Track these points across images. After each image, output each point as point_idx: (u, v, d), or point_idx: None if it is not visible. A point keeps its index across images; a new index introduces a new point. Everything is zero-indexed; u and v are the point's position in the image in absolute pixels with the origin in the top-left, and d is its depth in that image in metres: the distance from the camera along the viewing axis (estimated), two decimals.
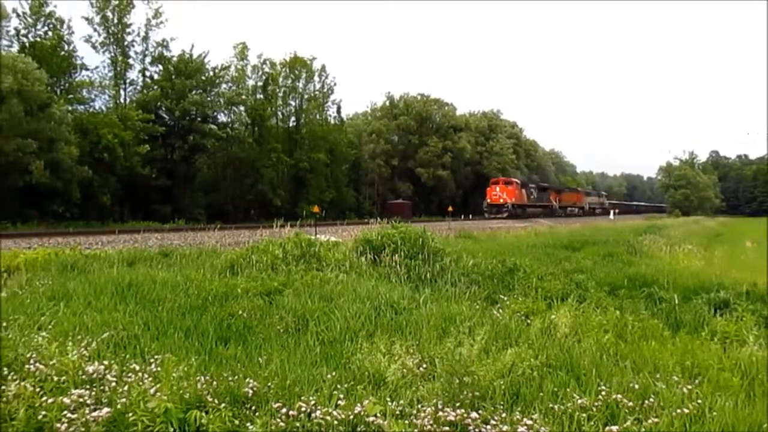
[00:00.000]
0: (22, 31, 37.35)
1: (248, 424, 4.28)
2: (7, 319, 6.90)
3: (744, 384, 5.63)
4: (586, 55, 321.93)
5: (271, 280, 10.15)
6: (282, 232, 17.31)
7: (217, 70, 46.70)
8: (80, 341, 5.96)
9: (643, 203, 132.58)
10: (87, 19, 41.37)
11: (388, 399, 4.81)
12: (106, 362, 5.32)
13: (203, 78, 44.89)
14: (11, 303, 8.24)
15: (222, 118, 47.99)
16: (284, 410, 4.39)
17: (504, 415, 4.53)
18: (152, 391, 4.54)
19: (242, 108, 49.60)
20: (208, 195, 45.08)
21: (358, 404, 4.51)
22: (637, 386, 5.15)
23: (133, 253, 13.67)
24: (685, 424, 4.54)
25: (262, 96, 52.01)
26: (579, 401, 4.74)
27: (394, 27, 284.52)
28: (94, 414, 4.20)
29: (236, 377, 5.03)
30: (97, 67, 42.70)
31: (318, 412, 4.37)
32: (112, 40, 42.31)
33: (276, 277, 10.58)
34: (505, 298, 9.72)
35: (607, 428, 4.35)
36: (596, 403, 4.75)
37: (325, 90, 58.25)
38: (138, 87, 44.81)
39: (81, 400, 4.43)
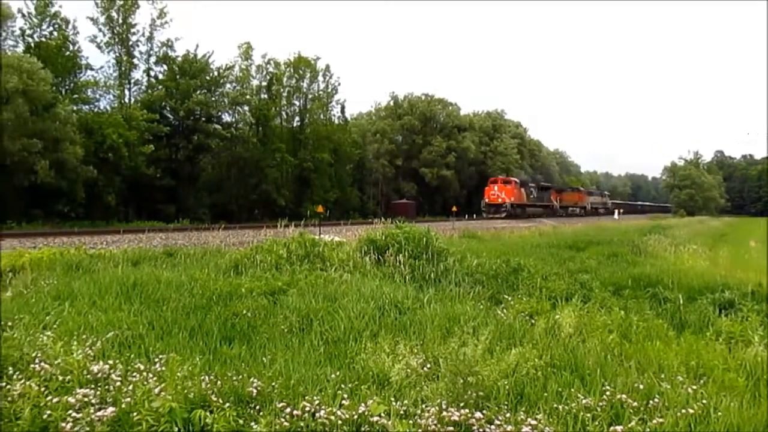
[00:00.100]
0: (28, 32, 37.59)
1: (252, 423, 4.29)
2: (12, 319, 6.93)
3: (749, 384, 5.61)
4: (591, 55, 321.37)
5: (276, 279, 10.16)
6: (286, 232, 17.32)
7: (221, 70, 46.86)
8: (85, 341, 5.99)
9: (647, 203, 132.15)
10: (92, 19, 41.64)
11: (392, 399, 4.81)
12: (110, 362, 5.34)
13: (208, 78, 45.03)
14: (16, 302, 8.27)
15: (226, 118, 48.21)
16: (288, 410, 4.39)
17: (508, 415, 4.52)
18: (157, 390, 4.55)
19: (246, 108, 49.71)
20: (212, 195, 45.16)
21: (362, 404, 4.51)
22: (641, 386, 5.13)
23: (137, 252, 13.70)
24: (689, 424, 4.53)
25: (266, 96, 52.12)
26: (583, 401, 4.72)
27: (399, 27, 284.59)
28: (99, 413, 4.21)
29: (240, 377, 5.03)
30: (101, 67, 42.98)
31: (322, 412, 4.37)
32: (116, 40, 42.46)
33: (280, 276, 10.59)
34: (510, 298, 9.69)
35: (612, 428, 4.34)
36: (601, 403, 4.73)
37: (329, 90, 58.38)
38: (143, 87, 45.08)
39: (86, 399, 4.45)
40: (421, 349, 6.26)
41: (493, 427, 4.35)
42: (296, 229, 17.92)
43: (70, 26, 39.24)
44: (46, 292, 8.97)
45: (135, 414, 4.23)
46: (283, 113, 55.45)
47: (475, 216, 52.64)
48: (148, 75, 45.05)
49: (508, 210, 54.18)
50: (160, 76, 44.86)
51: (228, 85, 47.81)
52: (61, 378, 4.93)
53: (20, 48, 36.14)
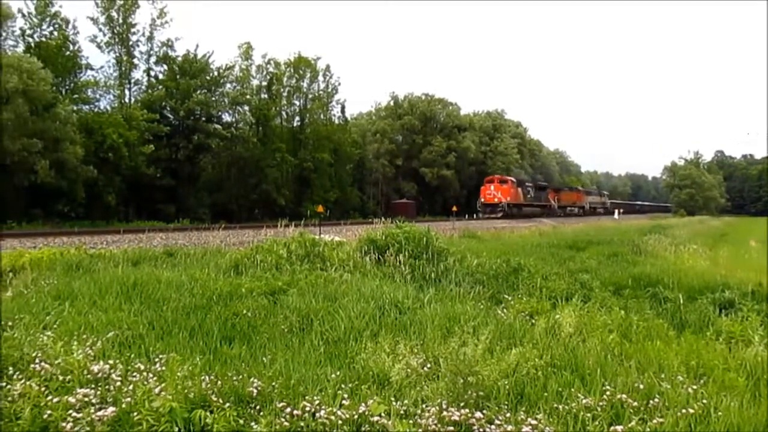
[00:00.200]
0: (28, 31, 37.55)
1: (253, 423, 4.29)
2: (12, 318, 6.93)
3: (749, 384, 5.60)
4: (591, 54, 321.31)
5: (276, 279, 10.16)
6: (286, 232, 17.32)
7: (221, 70, 46.84)
8: (85, 340, 5.99)
9: (646, 203, 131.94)
10: (92, 19, 41.61)
11: (393, 399, 4.81)
12: (111, 362, 5.34)
13: (208, 78, 45.03)
14: (16, 302, 8.28)
15: (226, 117, 48.19)
16: (288, 410, 4.39)
17: (508, 414, 4.52)
18: (157, 390, 4.55)
19: (246, 108, 49.69)
20: (212, 194, 45.16)
21: (363, 404, 4.51)
22: (641, 386, 5.13)
23: (137, 252, 13.70)
24: (690, 424, 4.53)
25: (266, 96, 52.12)
26: (583, 401, 4.72)
27: (399, 27, 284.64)
28: (99, 413, 4.21)
29: (241, 377, 5.03)
30: (102, 67, 42.94)
31: (322, 412, 4.37)
32: (117, 39, 42.45)
33: (280, 276, 10.59)
34: (510, 298, 9.69)
35: (612, 428, 4.34)
36: (601, 403, 4.73)
37: (329, 90, 58.37)
38: (143, 87, 45.05)
39: (86, 399, 4.45)
40: (422, 348, 6.26)
41: (493, 426, 4.35)
42: (296, 228, 17.93)
43: (70, 26, 39.29)
44: (47, 292, 8.97)
45: (135, 414, 4.23)
46: (283, 113, 55.46)
47: (475, 216, 52.37)
48: (149, 75, 45.11)
49: (505, 210, 53.57)
50: (161, 76, 44.86)
51: (228, 85, 47.84)
52: (61, 378, 4.94)
53: (20, 48, 36.18)
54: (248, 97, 49.32)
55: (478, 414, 4.43)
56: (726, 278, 12.30)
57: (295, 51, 67.70)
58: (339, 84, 59.13)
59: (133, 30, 42.85)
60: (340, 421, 4.28)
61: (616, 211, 77.39)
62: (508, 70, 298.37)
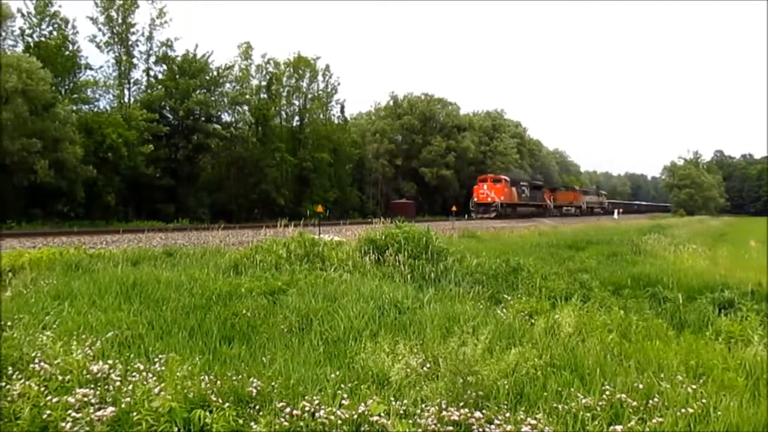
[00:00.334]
0: (27, 31, 37.53)
1: (252, 423, 4.29)
2: (12, 318, 6.93)
3: (749, 384, 5.60)
4: (591, 54, 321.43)
5: (275, 279, 10.15)
6: (286, 232, 17.32)
7: (221, 70, 46.83)
8: (85, 340, 5.99)
9: (644, 203, 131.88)
10: (91, 18, 41.58)
11: (392, 398, 4.81)
12: (110, 361, 5.34)
13: (207, 78, 44.99)
14: (16, 302, 8.27)
15: (226, 117, 48.17)
16: (288, 410, 4.39)
17: (508, 414, 4.52)
18: (156, 390, 4.55)
19: (246, 108, 49.65)
20: (212, 194, 45.14)
21: (362, 404, 4.51)
22: (641, 386, 5.13)
23: (137, 252, 13.68)
24: (689, 423, 4.53)
25: (265, 95, 52.09)
26: (583, 401, 4.72)
27: (398, 27, 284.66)
28: (99, 413, 4.21)
29: (240, 377, 5.03)
30: (101, 67, 42.90)
31: (322, 412, 4.37)
32: (116, 39, 42.42)
33: (280, 276, 10.58)
34: (509, 298, 9.70)
35: (611, 428, 4.34)
36: (600, 403, 4.73)
37: (328, 89, 58.32)
38: (142, 87, 45.03)
39: (85, 399, 4.45)
40: (421, 348, 6.26)
41: (492, 426, 4.35)
42: (296, 228, 17.94)
43: (70, 26, 39.25)
44: (46, 291, 8.96)
45: (135, 414, 4.23)
46: (283, 113, 55.43)
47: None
48: (148, 75, 45.08)
49: (498, 210, 52.45)
50: (160, 76, 44.83)
51: (227, 85, 47.81)
52: (60, 378, 4.93)
53: (20, 48, 36.14)
54: (248, 96, 49.30)
55: (477, 414, 4.43)
56: (725, 278, 12.31)
57: (294, 51, 67.83)
58: (338, 84, 59.18)
59: (132, 30, 42.86)
60: (339, 421, 4.28)
61: (616, 211, 77.07)
62: (508, 70, 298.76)
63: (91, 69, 41.22)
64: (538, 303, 9.04)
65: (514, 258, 13.79)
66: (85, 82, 40.18)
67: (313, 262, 12.24)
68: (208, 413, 4.27)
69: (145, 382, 4.78)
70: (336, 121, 59.96)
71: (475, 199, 54.43)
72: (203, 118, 43.48)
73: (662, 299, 10.38)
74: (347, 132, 61.29)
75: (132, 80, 44.21)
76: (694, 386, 5.21)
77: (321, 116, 57.35)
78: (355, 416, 4.37)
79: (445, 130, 71.22)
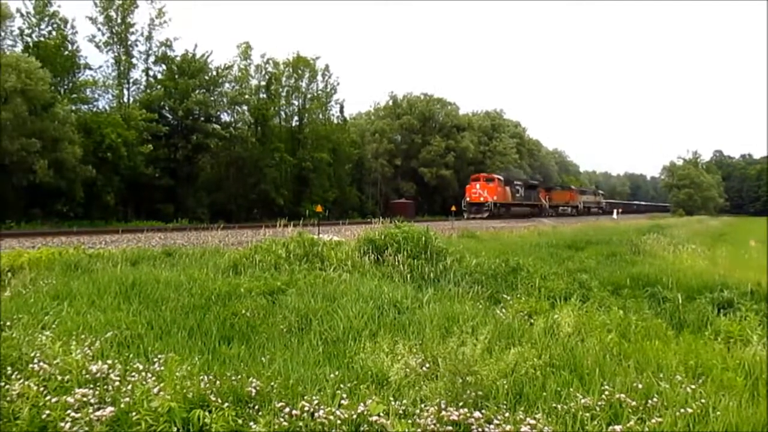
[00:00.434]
0: (26, 31, 37.44)
1: (251, 423, 4.28)
2: (11, 318, 6.93)
3: (748, 384, 5.61)
4: (590, 54, 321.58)
5: (275, 279, 10.15)
6: (285, 232, 17.32)
7: (220, 70, 46.76)
8: (84, 340, 5.98)
9: (644, 203, 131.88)
10: (91, 18, 41.48)
11: (391, 398, 4.81)
12: (109, 361, 5.33)
13: (206, 77, 44.96)
14: (15, 302, 8.26)
15: (225, 117, 48.08)
16: (287, 410, 4.39)
17: (507, 414, 4.52)
18: (156, 390, 4.54)
19: (245, 107, 49.59)
20: (211, 194, 45.10)
21: (362, 404, 4.51)
22: (640, 386, 5.13)
23: (136, 252, 13.68)
24: (688, 423, 4.53)
25: (265, 95, 52.02)
26: (582, 401, 4.73)
27: (398, 27, 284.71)
28: (98, 413, 4.21)
29: (239, 376, 5.03)
30: (100, 67, 42.81)
31: (321, 412, 4.37)
32: (115, 39, 42.35)
33: (279, 276, 10.58)
34: (508, 298, 9.70)
35: (611, 428, 4.34)
36: (599, 403, 4.74)
37: (328, 89, 58.24)
38: (141, 86, 44.95)
39: (84, 399, 4.44)
40: (420, 348, 6.26)
41: (491, 426, 4.35)
42: (295, 228, 17.94)
43: (69, 26, 39.14)
44: (45, 291, 8.95)
45: (134, 414, 4.23)
46: (282, 113, 55.36)
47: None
48: (147, 75, 45.03)
49: (491, 210, 51.37)
50: (159, 76, 44.77)
51: (227, 85, 47.75)
52: (59, 378, 4.93)
53: (19, 47, 36.06)
54: (247, 96, 49.26)
55: (476, 414, 4.43)
56: (724, 278, 12.32)
57: (293, 51, 67.81)
58: (338, 84, 59.18)
59: (131, 30, 42.76)
60: (338, 421, 4.28)
61: (615, 211, 76.81)
62: (508, 70, 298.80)
63: (90, 69, 41.23)
64: (538, 303, 9.04)
65: (513, 258, 13.79)
66: (84, 81, 40.13)
67: (312, 262, 12.24)
68: (207, 413, 4.26)
69: (144, 382, 4.78)
70: (335, 121, 59.91)
71: (468, 199, 53.35)
72: (202, 118, 43.45)
73: (661, 299, 10.39)
74: (346, 132, 61.26)
75: (131, 80, 44.18)
76: (693, 386, 5.22)
77: (320, 116, 57.29)
78: (355, 416, 4.37)
79: (445, 130, 71.22)
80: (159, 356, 5.62)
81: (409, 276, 11.36)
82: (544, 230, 32.50)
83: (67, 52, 38.56)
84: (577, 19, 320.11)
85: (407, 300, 8.72)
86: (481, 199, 52.51)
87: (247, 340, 6.89)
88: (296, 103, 55.89)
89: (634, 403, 4.74)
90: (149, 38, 43.97)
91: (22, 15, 37.05)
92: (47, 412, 4.24)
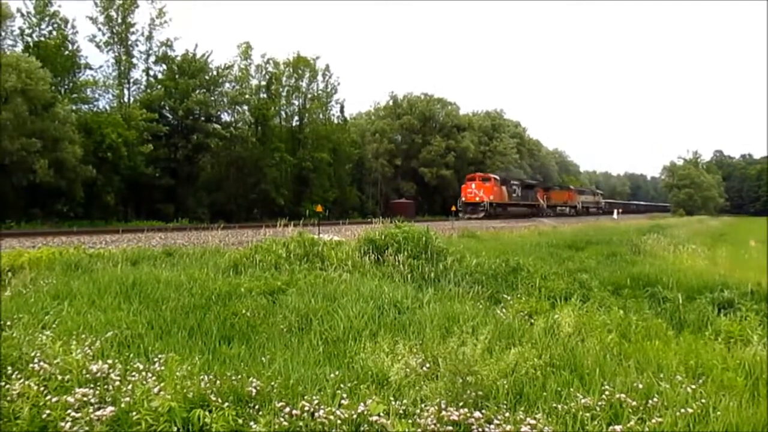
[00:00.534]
0: (27, 31, 37.52)
1: (251, 423, 4.28)
2: (11, 318, 6.93)
3: (748, 384, 5.60)
4: (590, 54, 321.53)
5: (275, 279, 10.15)
6: (285, 232, 17.33)
7: (220, 70, 46.83)
8: (84, 340, 5.98)
9: (644, 203, 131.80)
10: (91, 18, 41.54)
11: (392, 398, 4.80)
12: (109, 361, 5.33)
13: (207, 77, 45.01)
14: (15, 302, 8.26)
15: (225, 117, 48.17)
16: (287, 409, 4.39)
17: (507, 414, 4.52)
18: (156, 390, 4.54)
19: (246, 107, 49.62)
20: (211, 194, 45.12)
21: (362, 403, 4.51)
22: (640, 386, 5.13)
23: (136, 252, 13.68)
24: (688, 423, 4.53)
25: (265, 95, 52.07)
26: (582, 401, 4.72)
27: (398, 27, 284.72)
28: (98, 413, 4.21)
29: (240, 376, 5.03)
30: (101, 67, 42.87)
31: (321, 412, 4.37)
32: (116, 39, 42.40)
33: (279, 276, 10.58)
34: (509, 298, 9.69)
35: (611, 428, 4.34)
36: (600, 403, 4.73)
37: (328, 89, 58.30)
38: (142, 86, 45.03)
39: (85, 399, 4.44)
40: (421, 348, 6.25)
41: (492, 426, 4.35)
42: (295, 228, 17.94)
43: (69, 26, 39.23)
44: (45, 291, 8.96)
45: (134, 413, 4.22)
46: (283, 113, 55.40)
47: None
48: (147, 74, 45.08)
49: (487, 210, 50.62)
50: (160, 76, 44.82)
51: (227, 85, 47.82)
52: (60, 377, 4.93)
53: (19, 47, 36.11)
54: (247, 96, 49.29)
55: (477, 414, 4.43)
56: (725, 278, 12.32)
57: (294, 51, 67.83)
58: (338, 84, 59.20)
59: (132, 30, 42.84)
60: (339, 421, 4.27)
61: (615, 211, 76.57)
62: (508, 70, 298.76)
63: (90, 69, 41.30)
64: (538, 303, 9.04)
65: (513, 258, 13.78)
66: (84, 81, 40.17)
67: (312, 262, 12.24)
68: (207, 413, 4.26)
69: (144, 382, 4.77)
70: (336, 121, 59.95)
71: (463, 199, 52.48)
72: (203, 118, 43.48)
73: (662, 299, 10.39)
74: (347, 132, 61.29)
75: (131, 80, 44.27)
76: (693, 386, 5.21)
77: (320, 116, 57.32)
78: (355, 416, 4.36)
79: (445, 130, 71.25)
80: (159, 356, 5.62)
81: (409, 276, 11.36)
82: (544, 230, 32.51)
83: (67, 52, 38.61)
84: (578, 19, 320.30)
85: (407, 300, 8.72)
86: (477, 199, 51.82)
87: (248, 339, 6.89)
88: (296, 102, 55.95)
89: (634, 403, 4.74)
90: (150, 38, 44.11)
91: (22, 15, 37.18)
92: (47, 411, 4.24)
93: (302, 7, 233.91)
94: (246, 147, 47.15)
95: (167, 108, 43.01)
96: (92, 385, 4.74)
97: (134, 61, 43.89)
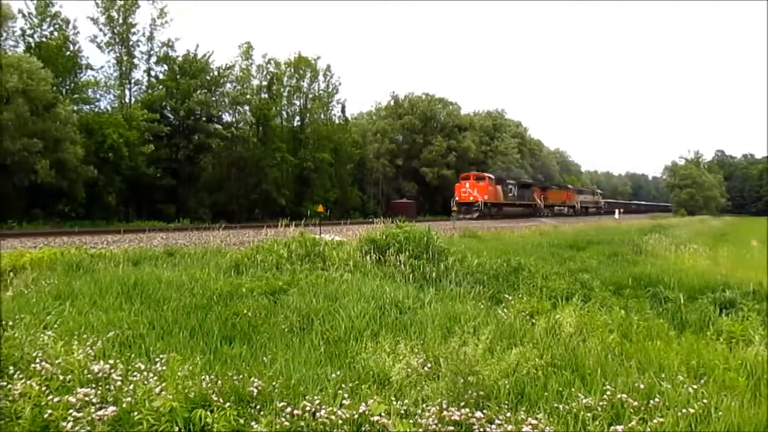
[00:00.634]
0: (28, 32, 37.62)
1: (253, 423, 4.28)
2: (13, 318, 6.93)
3: (750, 384, 5.59)
4: (591, 54, 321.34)
5: (276, 279, 10.16)
6: (286, 232, 17.35)
7: (221, 70, 46.84)
8: (86, 340, 5.99)
9: (645, 202, 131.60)
10: (92, 19, 41.63)
11: (393, 398, 4.80)
12: (111, 361, 5.33)
13: (208, 78, 45.04)
14: (17, 302, 8.27)
15: (226, 117, 48.19)
16: (289, 409, 4.38)
17: (508, 414, 4.51)
18: (157, 390, 4.55)
19: (247, 108, 49.65)
20: (212, 194, 45.15)
21: (363, 403, 4.50)
22: (642, 386, 5.12)
23: (138, 252, 13.70)
24: (690, 423, 4.52)
25: (266, 96, 52.11)
26: (584, 401, 4.72)
27: (399, 27, 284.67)
28: (100, 413, 4.21)
29: (241, 376, 5.03)
30: (102, 67, 43.09)
31: (323, 412, 4.37)
32: (117, 39, 42.46)
33: (281, 276, 10.58)
34: (510, 298, 9.68)
35: (612, 428, 4.33)
36: (601, 403, 4.73)
37: (329, 89, 58.38)
38: (143, 87, 45.09)
39: (86, 398, 4.44)
40: (422, 348, 6.25)
41: (493, 426, 4.34)
42: (297, 228, 17.96)
43: (71, 26, 39.35)
44: (47, 291, 8.97)
45: (136, 413, 4.23)
46: (284, 113, 55.45)
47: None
48: (149, 75, 45.16)
49: (481, 209, 49.30)
50: (161, 76, 44.88)
51: (228, 85, 47.83)
52: (61, 377, 4.93)
53: (20, 48, 36.24)
54: (248, 96, 49.30)
55: (478, 414, 4.42)
56: (726, 278, 12.29)
57: (295, 51, 67.79)
58: (339, 84, 59.28)
59: (133, 30, 42.91)
60: (340, 421, 4.27)
61: (617, 210, 76.16)
62: (509, 70, 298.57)
63: (91, 69, 41.41)
64: (539, 303, 9.03)
65: (515, 258, 13.78)
66: (86, 82, 40.25)
67: (314, 262, 12.25)
68: (209, 413, 4.26)
69: (146, 382, 4.78)
70: (337, 121, 60.01)
71: (457, 199, 50.54)
72: (204, 118, 43.49)
73: (663, 299, 10.37)
74: (348, 132, 61.33)
75: (133, 80, 44.35)
76: (695, 386, 5.21)
77: (322, 116, 57.39)
78: (356, 416, 4.36)
79: (446, 129, 71.24)
80: (161, 356, 5.62)
81: (410, 276, 11.36)
82: (545, 230, 32.50)
83: (68, 53, 38.69)
84: (578, 19, 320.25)
85: (409, 300, 8.72)
86: (471, 198, 50.57)
87: (249, 339, 6.90)
88: (298, 103, 56.02)
89: (635, 404, 4.73)
90: (151, 38, 44.19)
91: (24, 15, 37.30)
92: (49, 411, 4.24)
93: (303, 7, 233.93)
94: (247, 147, 47.17)
95: (168, 108, 43.05)
96: (94, 385, 4.74)
97: (135, 61, 44.04)
